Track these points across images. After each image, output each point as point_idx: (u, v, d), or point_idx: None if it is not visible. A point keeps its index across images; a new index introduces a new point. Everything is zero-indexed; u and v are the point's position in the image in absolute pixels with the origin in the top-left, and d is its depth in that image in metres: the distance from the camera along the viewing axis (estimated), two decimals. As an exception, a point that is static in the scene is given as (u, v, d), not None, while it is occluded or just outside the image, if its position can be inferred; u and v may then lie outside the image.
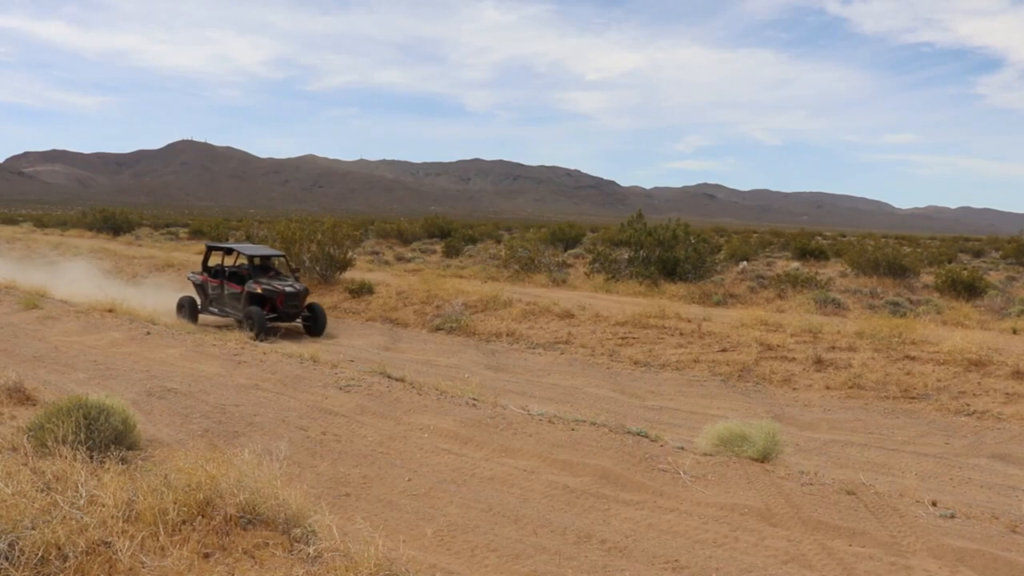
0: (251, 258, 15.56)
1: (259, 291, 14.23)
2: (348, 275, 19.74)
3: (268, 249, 17.17)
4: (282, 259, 16.81)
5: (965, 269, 21.99)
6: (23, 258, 27.56)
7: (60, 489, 3.83)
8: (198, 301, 15.68)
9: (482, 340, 14.20)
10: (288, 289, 14.30)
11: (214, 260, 16.47)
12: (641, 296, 17.89)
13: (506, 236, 43.58)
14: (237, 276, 15.23)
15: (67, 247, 31.27)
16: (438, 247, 36.22)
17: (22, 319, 12.92)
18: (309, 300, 15.13)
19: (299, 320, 14.77)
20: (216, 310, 15.30)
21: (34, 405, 6.62)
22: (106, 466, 4.30)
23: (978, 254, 44.86)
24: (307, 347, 12.00)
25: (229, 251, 16.30)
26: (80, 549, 3.30)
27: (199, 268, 16.53)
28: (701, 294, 18.49)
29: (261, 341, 12.59)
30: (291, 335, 14.68)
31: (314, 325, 14.64)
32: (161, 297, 16.89)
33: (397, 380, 8.72)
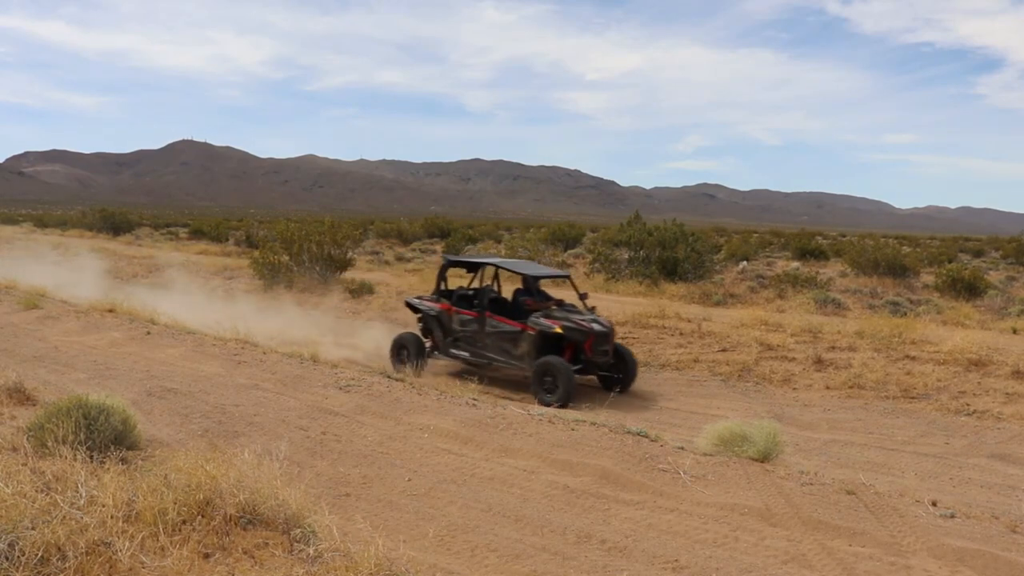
0: (529, 280, 10.92)
1: (558, 330, 9.83)
2: (348, 275, 19.74)
3: (549, 268, 12.45)
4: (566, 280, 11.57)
5: (965, 269, 21.99)
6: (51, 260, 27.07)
7: (60, 489, 3.83)
8: (427, 340, 11.44)
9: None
10: (597, 327, 9.88)
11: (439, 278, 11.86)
12: (641, 296, 17.90)
13: (506, 236, 43.58)
14: (503, 305, 11.18)
15: (67, 247, 31.26)
16: (438, 247, 36.23)
17: (22, 319, 12.92)
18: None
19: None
20: (466, 354, 10.91)
21: (34, 405, 6.62)
22: (106, 466, 4.30)
23: (978, 254, 44.86)
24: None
25: (473, 268, 11.76)
26: (80, 549, 3.30)
27: (413, 290, 13.14)
28: (701, 294, 18.49)
29: (560, 406, 8.93)
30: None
31: (624, 377, 10.27)
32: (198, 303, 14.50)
33: (397, 380, 8.72)
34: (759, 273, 25.33)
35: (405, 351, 11.18)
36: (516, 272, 10.98)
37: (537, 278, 10.83)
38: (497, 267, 11.54)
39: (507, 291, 12.03)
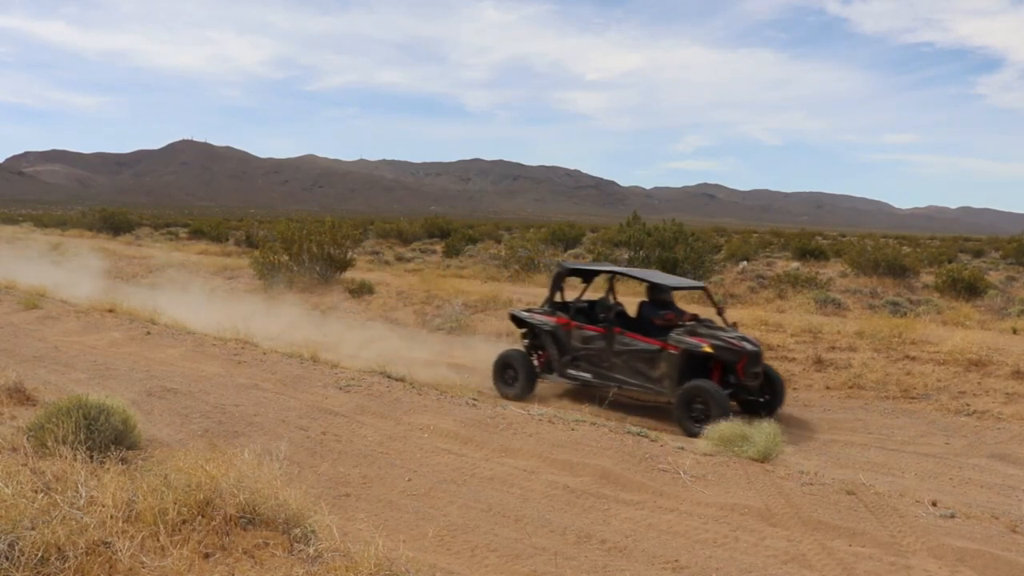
0: (664, 291, 9.88)
1: (707, 349, 8.72)
2: (348, 275, 19.74)
3: (681, 278, 11.29)
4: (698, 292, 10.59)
5: (965, 269, 21.99)
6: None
7: (60, 489, 3.83)
8: (537, 359, 10.23)
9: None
10: (749, 347, 8.85)
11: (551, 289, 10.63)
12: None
13: (506, 236, 43.59)
14: (628, 320, 10.04)
15: (66, 247, 31.26)
16: (438, 247, 36.23)
17: (22, 319, 12.92)
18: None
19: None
20: (588, 375, 9.65)
21: (34, 405, 6.62)
22: (106, 466, 4.30)
23: (978, 254, 44.84)
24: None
25: (590, 276, 10.76)
26: (80, 549, 3.30)
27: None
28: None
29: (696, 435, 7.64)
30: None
31: (772, 400, 9.16)
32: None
33: (397, 380, 8.72)
34: (759, 273, 25.33)
35: (511, 371, 10.04)
36: (650, 282, 9.83)
37: (673, 289, 9.71)
38: (626, 276, 10.25)
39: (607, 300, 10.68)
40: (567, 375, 9.83)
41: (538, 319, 10.19)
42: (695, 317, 9.57)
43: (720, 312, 9.71)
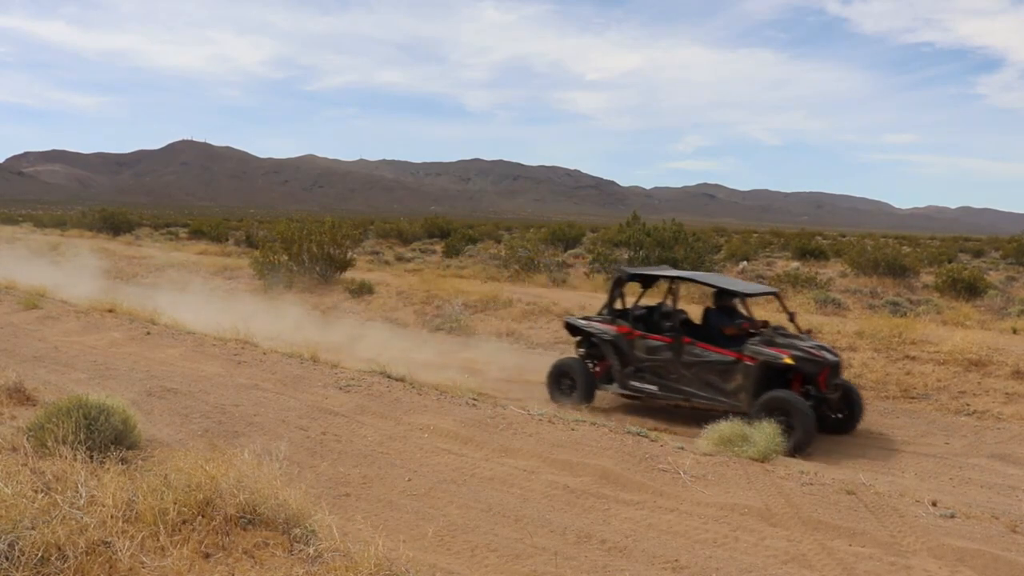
0: (725, 296, 9.40)
1: (788, 361, 8.20)
2: (348, 275, 19.73)
3: (750, 283, 10.79)
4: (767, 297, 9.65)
5: (965, 269, 21.99)
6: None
7: (60, 489, 3.83)
8: (596, 368, 9.70)
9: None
10: (830, 357, 8.41)
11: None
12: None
13: (506, 236, 43.57)
14: (695, 328, 9.41)
15: (66, 247, 31.25)
16: (438, 247, 36.21)
17: (22, 319, 12.92)
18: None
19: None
20: (653, 387, 9.09)
21: (34, 405, 6.62)
22: (106, 466, 4.30)
23: (978, 254, 44.83)
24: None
25: (645, 282, 10.20)
26: (80, 549, 3.29)
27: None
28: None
29: (796, 454, 7.45)
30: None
31: (850, 415, 8.68)
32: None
33: (397, 380, 8.72)
34: (759, 273, 25.33)
35: (568, 381, 9.52)
36: (719, 288, 9.32)
37: (747, 296, 9.14)
38: (692, 282, 9.59)
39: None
40: (629, 387, 9.26)
41: (597, 327, 9.60)
42: (766, 324, 9.03)
43: (792, 319, 9.25)
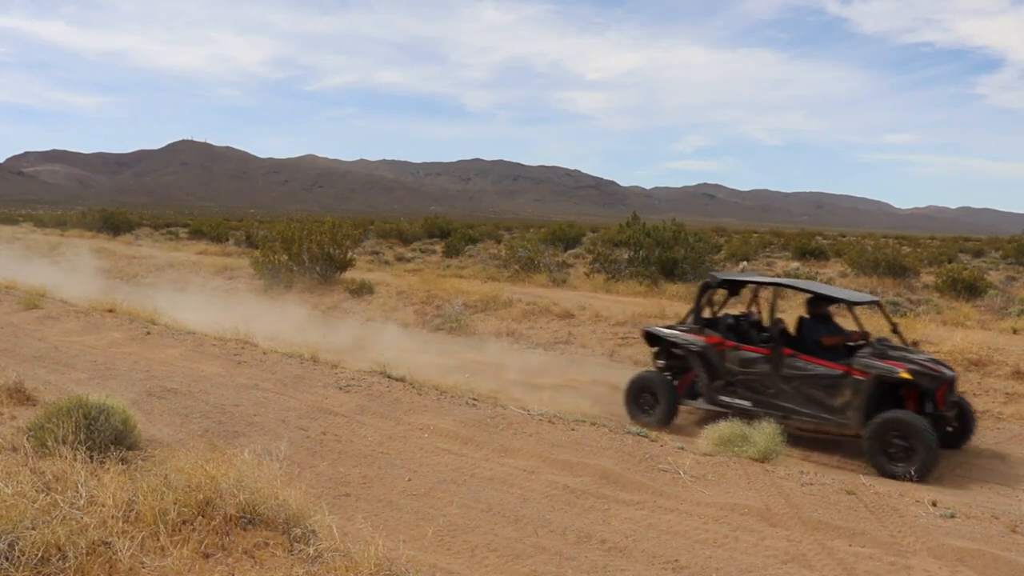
0: (821, 303, 8.85)
1: (904, 375, 7.63)
2: (348, 275, 19.73)
3: (860, 294, 10.04)
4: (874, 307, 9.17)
5: (965, 269, 21.99)
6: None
7: (60, 489, 3.83)
8: (680, 382, 9.12)
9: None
10: (947, 372, 7.88)
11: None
12: (641, 296, 17.89)
13: (506, 236, 43.58)
14: (790, 338, 8.78)
15: (66, 247, 31.26)
16: (438, 247, 36.22)
17: (22, 319, 12.92)
18: None
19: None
20: (747, 402, 8.46)
21: (34, 405, 6.62)
22: (106, 466, 4.31)
23: (978, 254, 44.84)
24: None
25: (733, 288, 9.60)
26: (80, 549, 3.30)
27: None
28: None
29: (918, 480, 7.10)
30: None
31: (962, 430, 8.25)
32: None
33: (397, 380, 8.72)
34: (759, 273, 25.33)
35: (649, 397, 8.89)
36: (819, 295, 8.71)
37: (854, 304, 8.48)
38: (789, 289, 9.10)
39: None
40: (719, 402, 8.59)
41: (685, 338, 8.92)
42: (867, 335, 8.49)
43: (895, 329, 8.63)
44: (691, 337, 8.90)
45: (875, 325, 9.91)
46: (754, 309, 9.52)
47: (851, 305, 8.48)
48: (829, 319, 8.86)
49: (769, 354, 8.36)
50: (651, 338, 9.42)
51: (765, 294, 9.89)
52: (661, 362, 9.31)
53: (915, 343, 8.56)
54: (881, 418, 7.48)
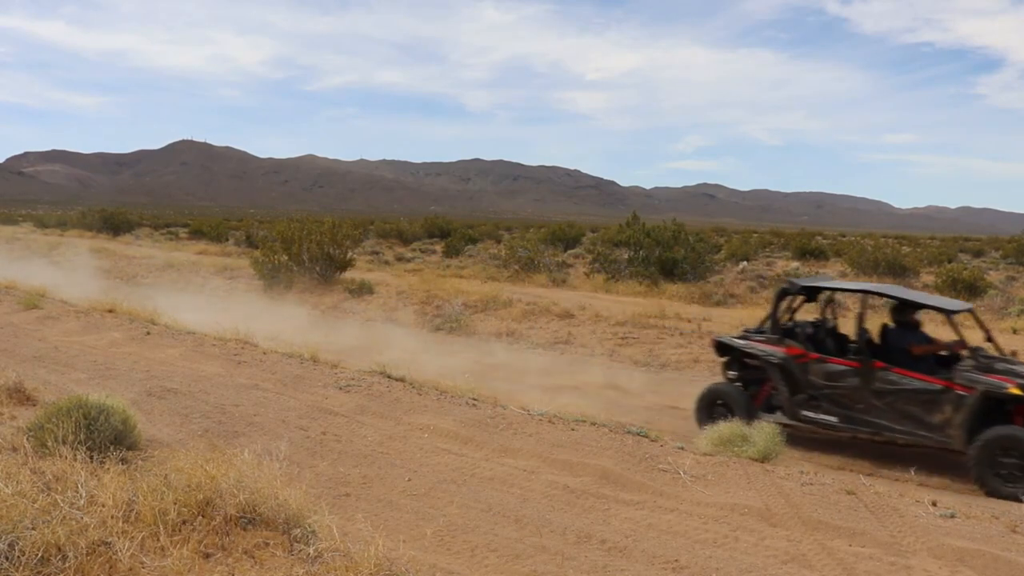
0: (907, 310, 8.30)
1: (1014, 391, 7.03)
2: (348, 275, 19.74)
3: (956, 301, 9.28)
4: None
5: (965, 269, 22.01)
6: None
7: (60, 489, 3.83)
8: (757, 394, 8.50)
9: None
10: None
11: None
12: (641, 296, 17.91)
13: (506, 236, 43.59)
14: (876, 348, 8.18)
15: (66, 247, 31.26)
16: (438, 247, 36.23)
17: (22, 319, 12.92)
18: None
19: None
20: (833, 418, 7.92)
21: (34, 405, 6.62)
22: (106, 466, 4.30)
23: (978, 254, 44.87)
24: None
25: (810, 294, 8.85)
26: (80, 549, 3.30)
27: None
28: (701, 294, 18.49)
29: (1011, 497, 6.69)
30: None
31: None
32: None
33: (397, 380, 8.72)
34: (759, 273, 25.34)
35: (723, 410, 8.29)
36: (909, 302, 8.20)
37: (952, 312, 7.81)
38: (882, 295, 8.67)
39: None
40: (801, 417, 8.03)
41: (763, 348, 8.32)
42: (962, 344, 7.81)
43: (990, 338, 8.08)
44: (770, 348, 8.30)
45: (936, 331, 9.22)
46: (828, 316, 8.91)
47: (949, 314, 7.84)
48: (917, 327, 8.32)
49: (859, 367, 7.80)
50: (722, 348, 8.87)
51: (841, 300, 9.13)
52: (732, 373, 8.78)
53: (1013, 353, 7.95)
54: (989, 436, 6.96)
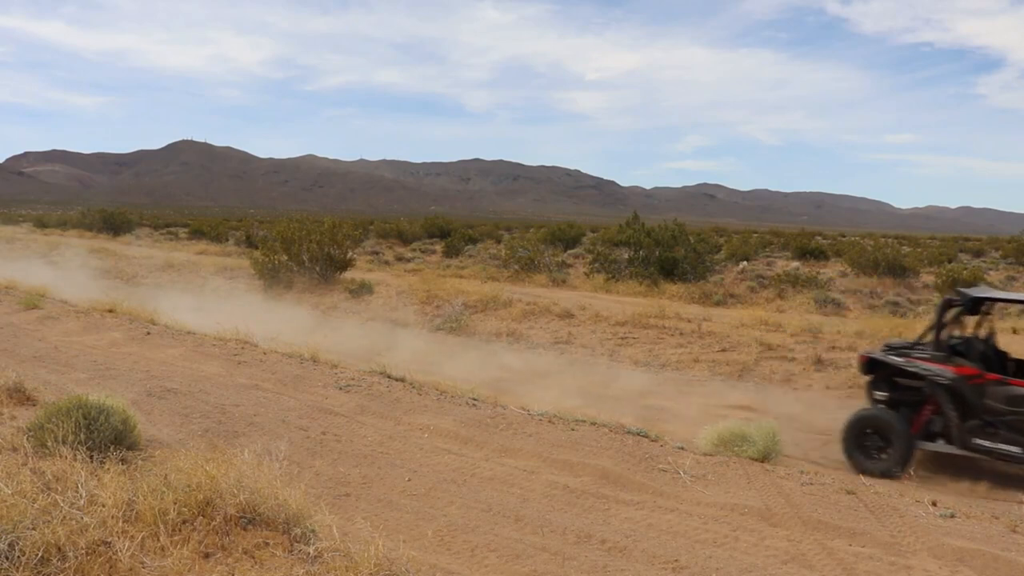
0: None
1: None
2: (348, 275, 19.73)
3: None
4: None
5: (965, 269, 22.01)
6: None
7: (60, 489, 3.83)
8: (914, 420, 7.39)
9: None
10: None
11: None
12: (641, 296, 17.90)
13: (506, 236, 43.59)
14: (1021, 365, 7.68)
15: (66, 247, 31.25)
16: (438, 247, 36.22)
17: (22, 319, 12.91)
18: None
19: None
20: (1016, 448, 6.94)
21: (34, 405, 6.62)
22: (106, 466, 4.30)
23: (978, 254, 44.84)
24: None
25: (972, 307, 7.61)
26: (80, 549, 3.30)
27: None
28: (701, 294, 18.49)
29: None
30: None
31: None
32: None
33: (397, 380, 8.72)
34: (759, 273, 25.33)
35: (878, 440, 7.28)
36: None
37: None
38: None
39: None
40: (974, 447, 7.12)
41: (926, 367, 7.34)
42: None
43: None
44: (936, 367, 7.31)
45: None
46: (987, 331, 8.07)
47: None
48: None
49: None
50: (871, 365, 7.82)
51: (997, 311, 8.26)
52: (881, 394, 7.69)
53: None
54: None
